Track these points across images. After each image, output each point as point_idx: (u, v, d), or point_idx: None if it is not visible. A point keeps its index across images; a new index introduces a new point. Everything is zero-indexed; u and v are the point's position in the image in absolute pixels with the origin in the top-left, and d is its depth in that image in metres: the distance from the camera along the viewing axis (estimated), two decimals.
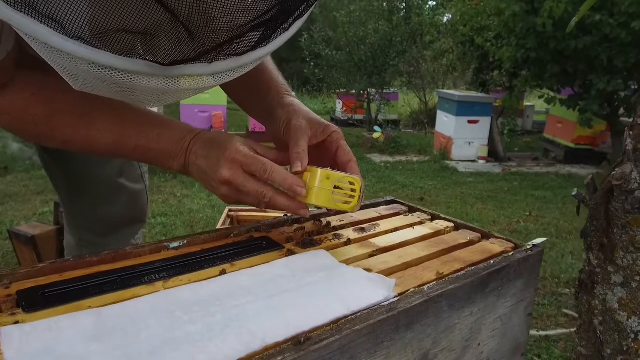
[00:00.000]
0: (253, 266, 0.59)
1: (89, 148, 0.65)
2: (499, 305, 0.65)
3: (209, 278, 0.55)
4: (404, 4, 8.42)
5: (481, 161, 5.91)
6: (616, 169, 0.72)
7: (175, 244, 0.64)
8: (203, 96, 5.00)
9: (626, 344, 0.74)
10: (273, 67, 0.79)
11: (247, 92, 0.80)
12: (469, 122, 5.87)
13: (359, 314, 0.49)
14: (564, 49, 4.75)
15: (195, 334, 0.43)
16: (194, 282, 0.54)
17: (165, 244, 0.64)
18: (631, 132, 0.72)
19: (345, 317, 0.48)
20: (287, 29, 0.46)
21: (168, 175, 4.46)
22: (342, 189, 0.64)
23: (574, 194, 0.83)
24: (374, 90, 7.57)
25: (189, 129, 0.68)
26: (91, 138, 0.63)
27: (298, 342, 0.42)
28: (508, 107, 7.29)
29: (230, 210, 1.97)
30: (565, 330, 1.91)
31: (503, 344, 0.69)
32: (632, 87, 5.31)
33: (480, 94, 6.39)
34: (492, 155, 6.03)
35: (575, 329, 1.87)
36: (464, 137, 5.92)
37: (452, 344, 0.59)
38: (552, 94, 5.45)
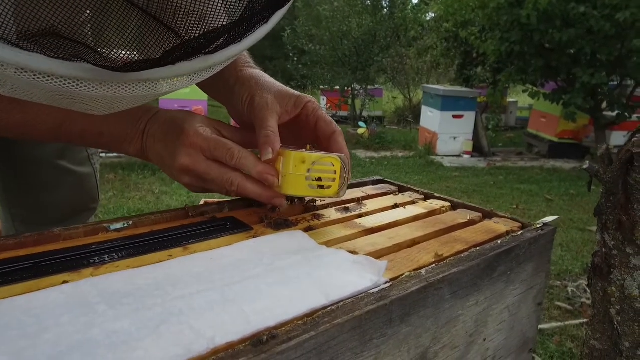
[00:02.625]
0: (213, 249, 0.48)
1: (28, 134, 0.56)
2: (507, 294, 0.55)
3: (154, 264, 0.44)
4: (387, 1, 8.36)
5: (466, 156, 5.87)
6: (637, 135, 0.62)
7: (118, 225, 0.53)
8: (183, 90, 4.84)
9: None
10: None
11: None
12: (454, 116, 5.82)
13: (341, 303, 0.38)
14: (548, 42, 4.73)
15: (121, 333, 0.32)
16: (134, 268, 0.43)
17: (105, 225, 0.52)
18: None
19: (324, 307, 0.37)
20: (266, 21, 0.37)
21: (147, 171, 4.30)
22: (321, 172, 0.54)
23: (585, 166, 0.73)
24: (358, 86, 7.49)
25: (145, 108, 0.58)
26: (28, 123, 0.54)
27: (259, 341, 0.32)
28: (492, 103, 7.28)
29: (206, 203, 1.85)
30: (559, 324, 1.84)
31: (510, 339, 0.59)
32: (613, 81, 5.31)
33: (464, 89, 6.35)
34: (477, 150, 6.00)
35: (569, 321, 1.80)
36: (448, 132, 5.88)
37: (455, 339, 0.49)
38: (535, 88, 5.44)
